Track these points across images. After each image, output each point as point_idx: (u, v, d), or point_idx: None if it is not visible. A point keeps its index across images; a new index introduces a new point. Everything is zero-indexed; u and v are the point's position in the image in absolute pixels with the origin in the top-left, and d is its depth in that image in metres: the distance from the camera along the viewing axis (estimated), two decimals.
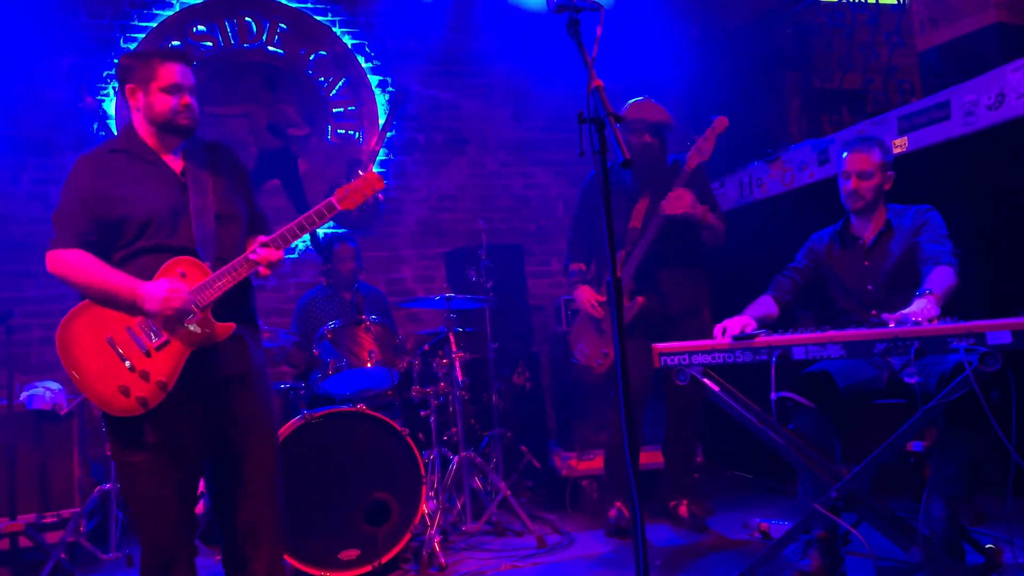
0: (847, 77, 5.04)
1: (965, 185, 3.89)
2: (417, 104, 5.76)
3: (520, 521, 3.91)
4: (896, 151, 4.04)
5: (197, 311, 2.33)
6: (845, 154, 3.14)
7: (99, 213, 2.36)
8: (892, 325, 2.51)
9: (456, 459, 3.97)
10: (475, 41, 5.74)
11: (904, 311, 2.55)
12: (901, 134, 4.02)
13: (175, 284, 2.30)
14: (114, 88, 5.16)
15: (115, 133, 5.13)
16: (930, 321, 2.47)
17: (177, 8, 5.32)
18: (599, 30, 1.99)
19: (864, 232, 3.15)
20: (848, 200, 3.12)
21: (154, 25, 5.27)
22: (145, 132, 2.47)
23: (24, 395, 4.07)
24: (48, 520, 3.93)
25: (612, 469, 3.94)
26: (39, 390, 4.08)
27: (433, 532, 3.54)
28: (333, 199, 2.53)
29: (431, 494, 3.78)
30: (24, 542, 3.83)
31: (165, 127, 2.44)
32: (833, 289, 3.20)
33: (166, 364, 2.32)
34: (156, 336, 2.32)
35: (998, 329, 2.32)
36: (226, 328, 2.39)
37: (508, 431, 4.49)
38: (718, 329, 2.81)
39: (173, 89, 2.41)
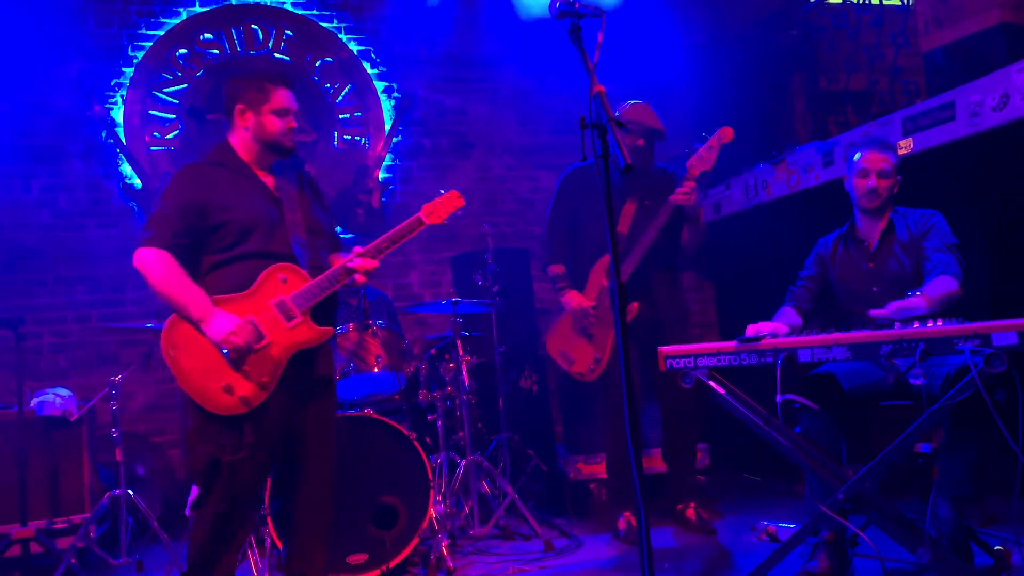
0: (852, 78, 5.04)
1: (970, 186, 3.89)
2: (423, 109, 5.79)
3: (528, 525, 3.92)
4: (901, 152, 4.03)
5: (299, 315, 2.46)
6: (859, 154, 3.14)
7: (199, 218, 2.46)
8: (897, 326, 2.51)
9: (463, 463, 3.98)
10: (480, 46, 5.76)
11: (896, 301, 2.57)
12: (906, 135, 4.01)
13: (244, 322, 2.39)
14: (123, 97, 5.21)
15: (123, 141, 5.18)
16: (923, 320, 2.48)
17: (184, 16, 5.36)
18: (600, 36, 2.00)
19: (869, 234, 3.15)
20: (865, 198, 3.11)
21: (161, 33, 5.31)
22: (243, 150, 2.60)
23: (34, 401, 4.09)
24: (59, 526, 3.95)
25: (613, 476, 3.93)
26: (49, 396, 4.10)
27: (441, 536, 3.55)
28: (421, 214, 2.68)
29: (439, 498, 3.79)
30: (35, 548, 3.86)
31: (271, 146, 2.58)
32: (838, 292, 3.20)
33: (267, 365, 2.42)
34: (260, 337, 2.40)
35: (1003, 330, 2.32)
36: (325, 332, 2.54)
37: (515, 435, 4.50)
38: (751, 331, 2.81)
39: (283, 112, 2.58)
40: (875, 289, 3.07)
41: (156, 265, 2.41)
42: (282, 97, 2.57)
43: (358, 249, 2.58)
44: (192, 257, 2.49)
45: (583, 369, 3.83)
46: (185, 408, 2.48)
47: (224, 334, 2.36)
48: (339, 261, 2.65)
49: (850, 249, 3.19)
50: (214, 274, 2.48)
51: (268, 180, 2.61)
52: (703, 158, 3.64)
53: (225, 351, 2.37)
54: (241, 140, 2.59)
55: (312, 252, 2.59)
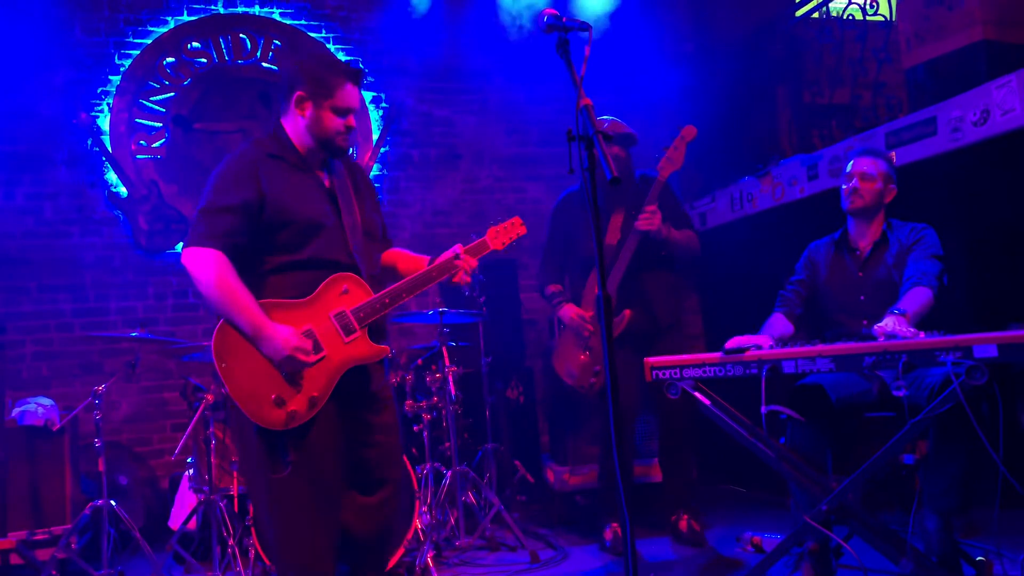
0: (836, 92, 5.10)
1: (952, 200, 3.94)
2: (411, 120, 5.80)
3: (514, 536, 3.91)
4: None
5: (358, 330, 2.33)
6: (851, 161, 3.18)
7: (256, 216, 2.28)
8: (881, 339, 2.54)
9: (449, 474, 3.97)
10: (468, 58, 5.78)
11: (879, 325, 2.59)
12: (889, 149, 4.06)
13: (301, 341, 2.23)
14: (109, 105, 5.19)
15: (109, 149, 5.15)
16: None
17: (172, 25, 5.35)
18: (587, 50, 2.02)
19: (861, 242, 3.17)
20: (847, 199, 3.14)
21: (149, 42, 5.30)
22: (298, 141, 2.42)
23: (16, 411, 4.06)
24: (40, 537, 3.91)
25: (606, 486, 3.94)
26: (31, 406, 4.07)
27: (426, 547, 3.54)
28: (486, 238, 2.60)
29: (424, 509, 3.78)
30: (15, 559, 3.81)
31: (323, 144, 2.41)
32: (825, 298, 3.21)
33: (320, 379, 2.27)
34: (314, 351, 2.26)
35: (984, 343, 2.34)
36: (381, 351, 2.39)
37: (501, 446, 4.49)
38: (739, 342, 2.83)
39: (344, 111, 2.40)
40: (862, 298, 3.10)
41: (209, 268, 2.21)
42: (347, 95, 2.39)
43: (460, 247, 2.48)
44: (244, 256, 2.29)
45: (584, 383, 3.83)
46: (236, 421, 2.28)
47: (280, 352, 2.20)
48: (398, 260, 2.55)
49: (843, 256, 3.21)
50: (270, 277, 2.31)
51: (324, 177, 2.45)
52: (671, 159, 3.69)
53: (277, 365, 2.22)
54: (295, 129, 2.41)
55: (368, 260, 2.45)
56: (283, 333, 2.21)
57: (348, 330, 2.32)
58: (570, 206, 4.03)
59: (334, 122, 2.38)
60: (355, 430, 2.41)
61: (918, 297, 2.82)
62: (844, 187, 3.17)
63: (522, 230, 2.65)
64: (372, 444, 2.44)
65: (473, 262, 2.48)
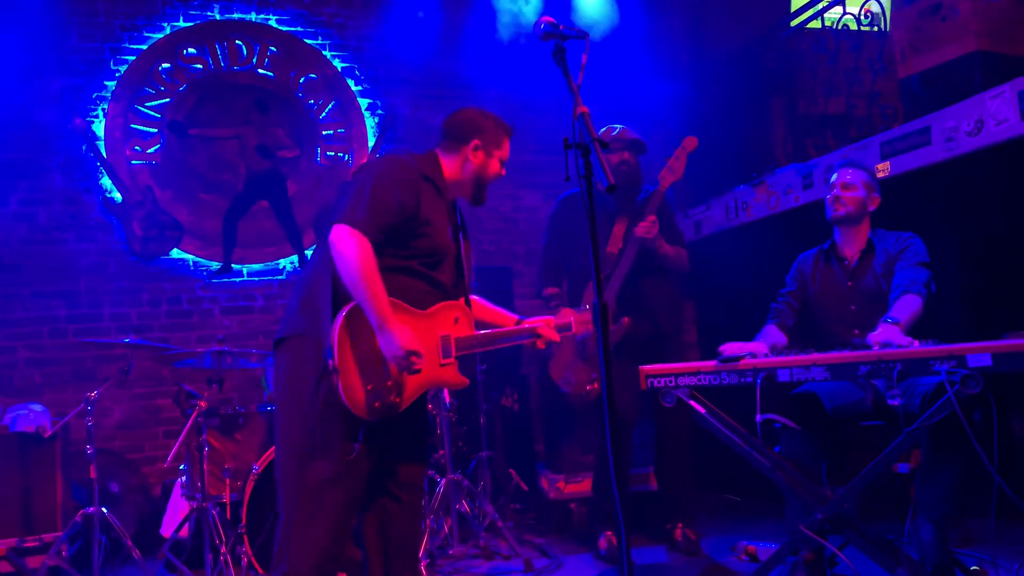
0: (831, 102, 5.12)
1: (946, 209, 3.95)
2: (406, 126, 5.80)
3: (508, 544, 3.89)
4: (879, 176, 4.10)
5: (453, 357, 2.53)
6: (834, 174, 3.21)
7: (403, 221, 2.41)
8: (876, 348, 2.54)
9: (443, 482, 3.96)
10: (464, 65, 5.79)
11: (874, 335, 2.60)
12: (884, 159, 4.08)
13: (417, 346, 2.34)
14: (104, 111, 5.18)
15: (104, 155, 5.14)
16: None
17: (168, 31, 5.35)
18: (584, 58, 2.02)
19: (848, 251, 3.19)
20: (830, 207, 3.17)
21: (145, 48, 5.30)
22: (451, 176, 2.61)
23: (8, 417, 4.04)
24: (30, 544, 3.88)
25: (600, 495, 3.93)
26: (23, 412, 4.05)
27: (420, 555, 3.52)
28: (572, 321, 2.83)
29: None
30: (5, 567, 3.78)
31: (480, 186, 2.65)
32: (816, 309, 3.23)
33: (410, 387, 2.43)
34: (417, 360, 2.36)
35: (978, 352, 2.35)
36: (463, 382, 2.59)
37: (496, 454, 4.48)
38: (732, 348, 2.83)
39: (504, 162, 2.69)
40: (853, 308, 3.11)
41: (359, 251, 2.31)
42: (508, 149, 2.68)
43: (550, 318, 2.73)
44: (378, 250, 2.39)
45: (582, 390, 3.82)
46: (314, 386, 2.35)
47: (397, 351, 2.30)
48: (484, 311, 2.76)
49: (831, 266, 3.22)
50: (392, 275, 2.41)
51: (453, 215, 2.65)
52: (672, 169, 3.70)
53: (392, 361, 2.34)
54: (456, 168, 2.61)
55: (469, 296, 2.67)
56: (405, 334, 2.33)
57: (446, 354, 2.52)
58: (569, 209, 4.03)
59: (496, 169, 2.67)
60: (405, 437, 2.58)
61: (909, 305, 2.83)
62: (827, 197, 3.20)
63: (591, 327, 2.84)
64: (404, 461, 2.60)
65: (556, 337, 2.72)
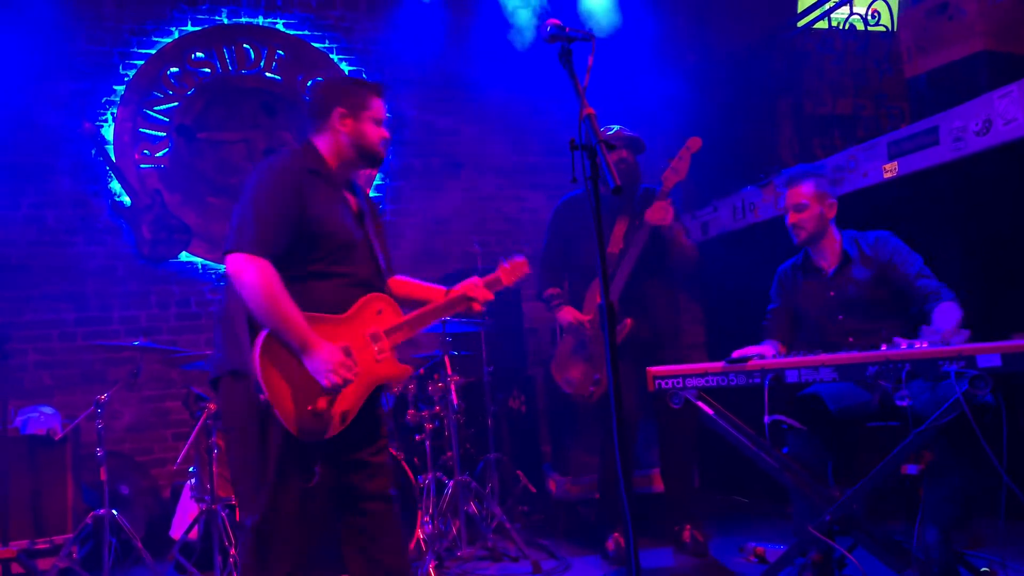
0: (838, 102, 5.10)
1: (954, 209, 3.94)
2: (413, 129, 5.81)
3: (516, 546, 3.89)
4: (887, 176, 4.09)
5: (388, 350, 2.43)
6: (782, 192, 3.20)
7: (297, 227, 2.31)
8: (883, 348, 2.53)
9: (451, 483, 3.96)
10: (471, 68, 5.80)
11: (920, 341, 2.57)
12: (891, 159, 4.06)
13: (347, 359, 2.28)
14: (113, 115, 5.21)
15: (113, 159, 5.17)
16: (909, 342, 2.51)
17: (176, 35, 5.38)
18: (591, 60, 2.03)
19: (823, 263, 3.17)
20: (793, 235, 3.18)
21: (153, 52, 5.32)
22: (332, 156, 2.47)
23: (19, 420, 4.06)
24: (41, 546, 3.90)
25: (606, 497, 3.93)
26: (34, 415, 4.07)
27: (428, 557, 3.53)
28: (499, 275, 2.76)
29: (426, 519, 3.77)
30: (16, 569, 3.80)
31: (367, 154, 2.49)
32: (804, 321, 3.22)
33: (351, 396, 2.34)
34: (353, 367, 2.31)
35: (988, 352, 2.35)
36: (406, 370, 2.51)
37: (503, 455, 4.48)
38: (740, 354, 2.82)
39: (379, 121, 2.50)
40: (840, 318, 3.08)
41: (260, 277, 2.21)
42: (379, 106, 2.51)
43: (476, 279, 2.64)
44: (279, 264, 2.29)
45: (584, 391, 3.81)
46: (254, 423, 2.26)
47: (326, 371, 2.23)
48: (412, 289, 2.66)
49: (810, 279, 3.21)
50: (302, 286, 2.31)
51: (350, 198, 2.51)
52: (676, 169, 3.67)
53: (324, 381, 2.25)
54: (332, 146, 2.46)
55: (387, 282, 2.57)
56: (329, 350, 2.25)
57: (380, 349, 2.42)
58: (570, 210, 4.02)
59: (375, 132, 2.49)
60: (357, 448, 2.47)
61: (951, 314, 2.79)
62: (785, 220, 3.19)
63: (528, 270, 2.84)
64: (369, 467, 2.49)
65: (491, 296, 2.64)
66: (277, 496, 2.26)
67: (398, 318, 2.48)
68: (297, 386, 2.24)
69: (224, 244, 2.30)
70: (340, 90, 2.51)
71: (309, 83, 5.60)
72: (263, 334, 2.22)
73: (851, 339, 2.95)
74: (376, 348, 2.41)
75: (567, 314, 3.85)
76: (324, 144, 2.48)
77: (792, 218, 3.15)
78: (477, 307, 2.62)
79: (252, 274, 2.22)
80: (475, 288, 2.62)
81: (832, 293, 3.12)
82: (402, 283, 2.69)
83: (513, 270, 2.79)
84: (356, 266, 2.43)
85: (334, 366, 2.23)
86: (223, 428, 2.46)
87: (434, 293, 2.68)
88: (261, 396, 2.19)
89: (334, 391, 2.26)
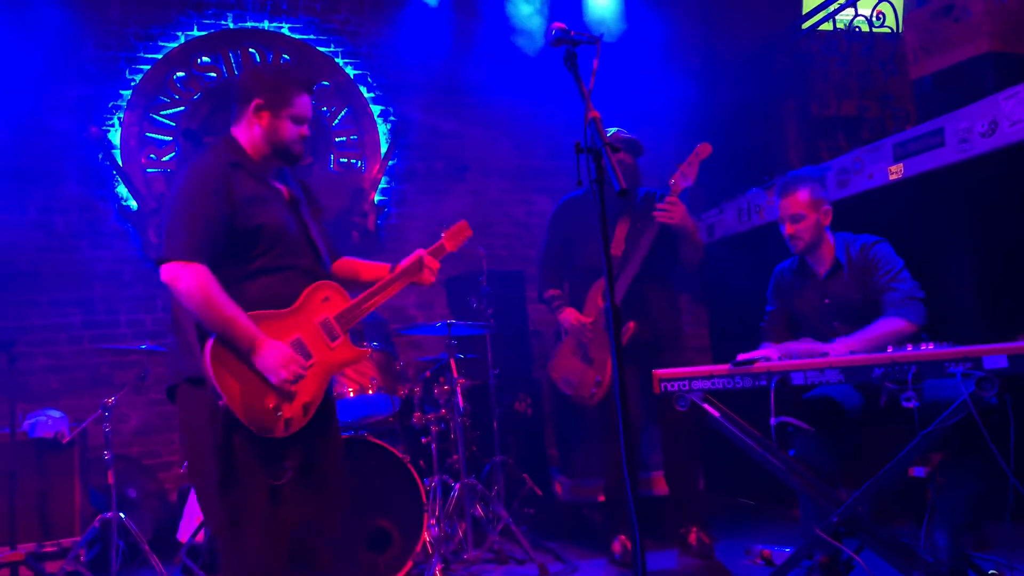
0: (843, 104, 5.10)
1: (960, 210, 3.93)
2: (418, 133, 5.83)
3: (522, 549, 3.89)
4: (892, 177, 4.08)
5: (341, 335, 2.42)
6: (778, 203, 3.18)
7: (228, 224, 2.28)
8: (889, 349, 2.53)
9: (457, 486, 3.97)
10: (476, 71, 5.81)
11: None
12: (897, 161, 4.06)
13: (295, 354, 2.29)
14: (120, 119, 5.23)
15: (119, 163, 5.19)
16: (916, 344, 2.51)
17: (182, 40, 5.40)
18: (596, 63, 2.03)
19: (819, 267, 3.17)
20: (790, 244, 3.17)
21: (159, 57, 5.35)
22: (252, 150, 2.43)
23: (26, 423, 4.07)
24: (48, 549, 3.92)
25: (612, 500, 3.92)
26: (42, 418, 4.08)
27: (434, 560, 3.53)
28: (443, 242, 2.77)
29: (432, 521, 3.77)
30: (24, 572, 3.82)
31: (280, 151, 2.44)
32: (801, 324, 3.21)
33: (312, 385, 2.34)
34: (306, 358, 2.32)
35: (994, 354, 2.34)
36: (362, 353, 2.50)
37: (509, 458, 4.48)
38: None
39: (301, 119, 2.44)
40: (835, 324, 3.07)
41: (197, 284, 2.19)
42: (303, 104, 2.44)
43: (421, 251, 2.61)
44: (216, 265, 2.27)
45: (585, 393, 3.80)
46: (216, 428, 2.23)
47: (276, 369, 2.23)
48: (359, 269, 2.65)
49: (805, 282, 3.20)
50: (245, 285, 2.31)
51: (280, 187, 2.48)
52: (684, 174, 3.65)
53: (275, 380, 2.25)
54: (250, 138, 2.42)
55: (329, 267, 2.55)
56: (276, 348, 2.25)
57: (333, 336, 2.41)
58: (570, 211, 4.01)
59: (292, 130, 2.42)
60: (318, 438, 2.45)
61: (880, 327, 2.85)
62: (782, 229, 3.17)
63: (469, 232, 2.86)
64: (329, 455, 2.49)
65: (437, 264, 2.63)
66: (248, 501, 2.24)
67: (346, 303, 2.46)
68: (252, 387, 2.24)
69: (156, 253, 2.29)
70: (265, 80, 2.44)
71: (314, 87, 5.61)
72: (211, 339, 2.22)
73: None
74: (328, 336, 2.40)
75: (569, 315, 3.85)
76: (242, 135, 2.43)
77: (789, 229, 3.13)
78: (428, 276, 2.60)
79: (187, 281, 2.21)
80: (421, 260, 2.60)
81: (827, 300, 3.11)
82: (346, 265, 2.68)
83: (455, 234, 2.80)
84: (297, 257, 2.40)
85: (283, 363, 2.24)
86: (182, 438, 2.41)
87: (379, 270, 2.66)
88: (220, 401, 2.19)
89: (286, 389, 2.26)
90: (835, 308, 3.09)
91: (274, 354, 2.24)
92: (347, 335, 2.44)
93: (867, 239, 3.10)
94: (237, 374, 2.23)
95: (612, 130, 3.90)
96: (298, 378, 2.27)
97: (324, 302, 2.42)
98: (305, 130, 2.46)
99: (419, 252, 2.62)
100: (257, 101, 2.40)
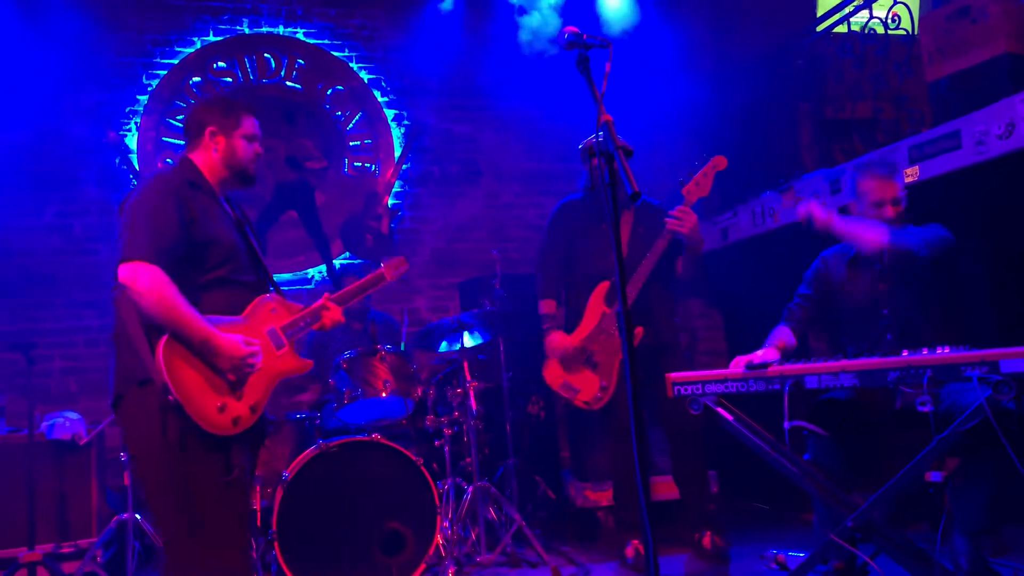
0: (858, 107, 5.07)
1: (977, 213, 3.90)
2: (432, 137, 5.85)
3: (535, 552, 3.89)
4: (908, 180, 4.05)
5: (287, 345, 2.55)
6: (866, 180, 3.08)
7: (186, 234, 2.39)
8: (904, 352, 2.51)
9: (471, 489, 3.97)
10: (489, 75, 5.82)
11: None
12: (912, 163, 4.03)
13: (252, 344, 2.39)
14: (137, 124, 5.28)
15: (136, 168, 5.24)
16: (931, 347, 2.49)
17: (198, 45, 5.45)
18: (608, 66, 2.04)
19: (878, 255, 3.08)
20: (880, 220, 3.04)
21: (176, 62, 5.40)
22: (209, 173, 2.59)
23: (44, 425, 4.12)
24: (66, 550, 3.95)
25: (622, 504, 3.91)
26: (59, 420, 4.13)
27: (448, 563, 3.54)
28: (383, 271, 2.94)
29: (445, 524, 3.77)
30: (42, 572, 3.85)
31: (238, 172, 2.61)
32: (843, 311, 3.16)
33: (259, 388, 2.46)
34: (257, 353, 2.42)
35: (1011, 357, 2.32)
36: (306, 364, 2.62)
37: (522, 461, 4.48)
38: (743, 361, 2.80)
39: (252, 138, 2.63)
40: (885, 311, 3.04)
41: (153, 283, 2.28)
42: (251, 124, 2.63)
43: (328, 296, 2.72)
44: (172, 274, 2.35)
45: (589, 398, 3.78)
46: (168, 426, 2.30)
47: (230, 354, 2.34)
48: None
49: (859, 268, 3.14)
50: (200, 295, 2.40)
51: (228, 208, 2.64)
52: (700, 185, 3.61)
53: (228, 371, 2.35)
54: (207, 162, 2.58)
55: (272, 285, 2.68)
56: (230, 341, 2.36)
57: (279, 345, 2.55)
58: (569, 215, 3.97)
59: (246, 149, 2.61)
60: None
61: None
62: (874, 214, 3.04)
63: (406, 266, 3.05)
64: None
65: (337, 315, 2.72)
66: (202, 502, 2.31)
67: (292, 315, 2.60)
68: (204, 384, 2.33)
69: (116, 254, 2.35)
70: (213, 108, 2.63)
71: (329, 91, 5.66)
72: (164, 339, 2.29)
73: (889, 336, 2.91)
74: (275, 344, 2.53)
75: (554, 340, 3.83)
76: (201, 161, 2.59)
77: (892, 211, 3.00)
78: (322, 324, 2.69)
79: (145, 280, 2.29)
80: (326, 304, 2.70)
81: (883, 286, 3.05)
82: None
83: (394, 266, 2.98)
84: (246, 273, 2.55)
85: (239, 354, 2.35)
86: (131, 447, 2.48)
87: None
88: (170, 397, 2.25)
89: (242, 380, 2.38)
90: (890, 296, 3.03)
91: (228, 347, 2.35)
92: (291, 345, 2.57)
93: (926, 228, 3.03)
94: (188, 372, 2.31)
95: (603, 133, 3.86)
96: (253, 368, 2.38)
97: (271, 313, 2.56)
98: (258, 147, 2.64)
99: (326, 296, 2.74)
100: (211, 128, 2.58)
